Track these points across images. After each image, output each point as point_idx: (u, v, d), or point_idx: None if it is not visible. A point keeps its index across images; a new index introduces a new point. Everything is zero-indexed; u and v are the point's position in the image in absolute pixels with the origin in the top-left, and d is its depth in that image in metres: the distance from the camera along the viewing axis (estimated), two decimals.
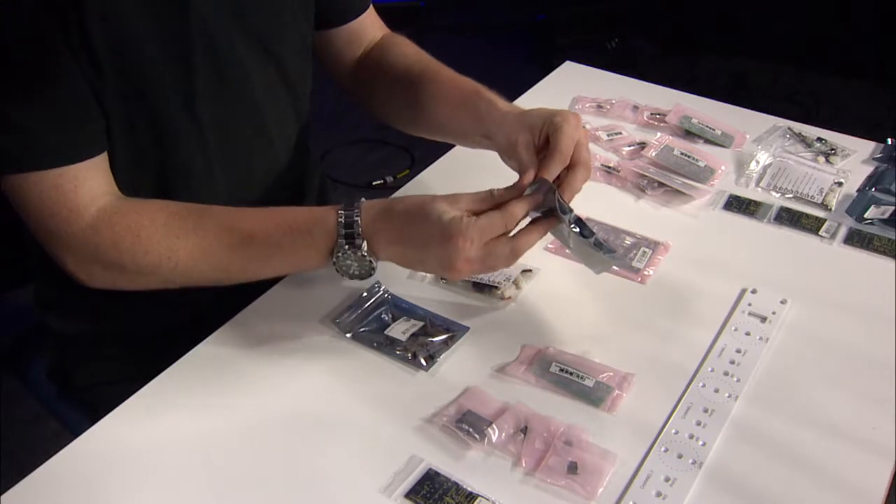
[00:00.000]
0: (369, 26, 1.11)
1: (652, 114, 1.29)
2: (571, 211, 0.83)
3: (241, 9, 0.90)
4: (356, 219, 0.82)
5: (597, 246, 0.83)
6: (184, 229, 0.84)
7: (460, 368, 0.86)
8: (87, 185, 0.83)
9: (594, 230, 0.86)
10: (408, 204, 0.83)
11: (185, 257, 0.84)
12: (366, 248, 0.82)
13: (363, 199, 0.84)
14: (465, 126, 0.98)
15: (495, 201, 0.82)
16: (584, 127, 0.90)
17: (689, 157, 1.18)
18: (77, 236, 0.83)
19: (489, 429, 0.78)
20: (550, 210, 0.83)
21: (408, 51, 1.08)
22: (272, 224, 0.85)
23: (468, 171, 1.16)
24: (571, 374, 0.84)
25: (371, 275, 0.85)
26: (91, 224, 0.83)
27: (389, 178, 2.71)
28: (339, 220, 0.82)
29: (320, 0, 1.02)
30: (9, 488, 0.74)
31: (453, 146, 1.21)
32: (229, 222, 0.85)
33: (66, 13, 0.77)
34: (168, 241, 0.83)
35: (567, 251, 0.93)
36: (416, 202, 0.82)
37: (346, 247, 0.82)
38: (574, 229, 0.82)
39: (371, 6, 1.11)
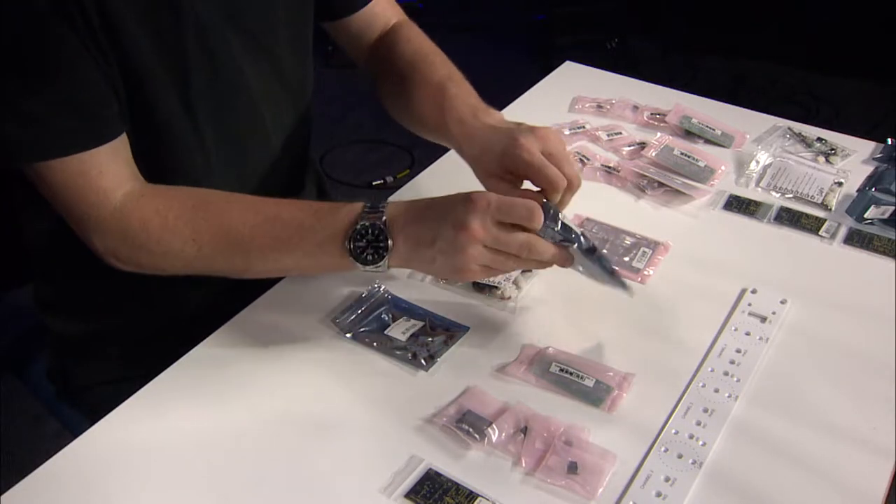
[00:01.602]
0: (380, 13, 1.11)
1: (652, 114, 1.29)
2: (577, 235, 0.82)
3: (234, 4, 0.90)
4: (381, 204, 0.83)
5: (598, 261, 0.84)
6: (211, 212, 0.85)
7: (460, 368, 0.86)
8: (112, 169, 0.84)
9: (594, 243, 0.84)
10: (434, 198, 0.83)
11: (209, 240, 0.84)
12: (387, 227, 0.80)
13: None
14: (429, 117, 0.98)
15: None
16: (557, 136, 0.89)
17: (689, 157, 1.18)
18: (106, 219, 0.84)
19: (489, 429, 0.78)
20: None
21: (412, 36, 1.08)
22: (298, 207, 0.86)
23: (468, 172, 1.16)
24: (571, 374, 0.84)
25: (382, 260, 0.81)
26: (119, 207, 0.84)
27: (389, 178, 2.71)
28: (366, 203, 0.83)
29: None
30: (9, 488, 0.74)
31: None
32: (254, 205, 0.86)
33: (70, 6, 0.77)
34: (195, 224, 0.84)
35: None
36: (446, 195, 0.83)
37: (367, 221, 0.81)
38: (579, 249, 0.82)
39: None
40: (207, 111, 0.91)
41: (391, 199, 1.12)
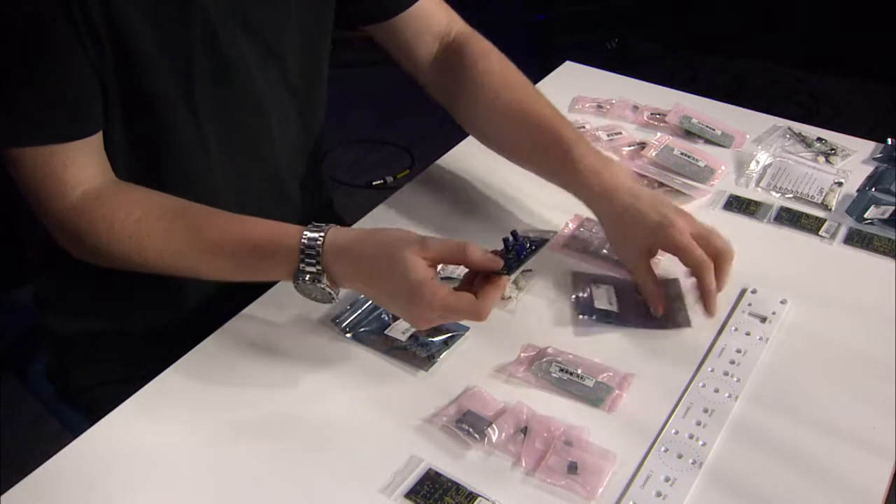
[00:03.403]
0: (433, 13, 1.06)
1: (652, 114, 1.29)
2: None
3: (245, 5, 0.89)
4: (318, 249, 0.81)
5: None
6: (154, 230, 0.84)
7: (460, 368, 0.86)
8: (77, 164, 0.84)
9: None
10: (375, 246, 0.80)
11: (154, 256, 0.85)
12: (326, 281, 0.81)
13: (331, 226, 0.82)
14: (549, 173, 0.99)
15: (466, 257, 0.79)
16: (695, 222, 0.90)
17: (689, 157, 1.18)
18: (61, 213, 0.84)
19: (489, 429, 0.78)
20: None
21: (512, 79, 1.04)
22: (239, 238, 0.84)
23: (468, 172, 1.16)
24: (571, 374, 0.84)
25: (332, 301, 0.84)
26: (74, 205, 0.84)
27: (389, 178, 2.71)
28: (302, 247, 0.81)
29: None
30: (9, 488, 0.74)
31: (453, 146, 1.21)
32: (199, 229, 0.85)
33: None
34: (138, 238, 0.84)
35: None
36: (383, 247, 0.80)
37: (307, 277, 0.81)
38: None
39: None
40: (211, 111, 0.91)
41: (391, 199, 1.13)
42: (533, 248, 0.82)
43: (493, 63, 1.05)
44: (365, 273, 0.81)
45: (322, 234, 0.81)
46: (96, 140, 0.86)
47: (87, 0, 0.77)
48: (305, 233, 0.81)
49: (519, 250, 0.82)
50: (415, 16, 1.04)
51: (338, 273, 0.81)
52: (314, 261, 0.81)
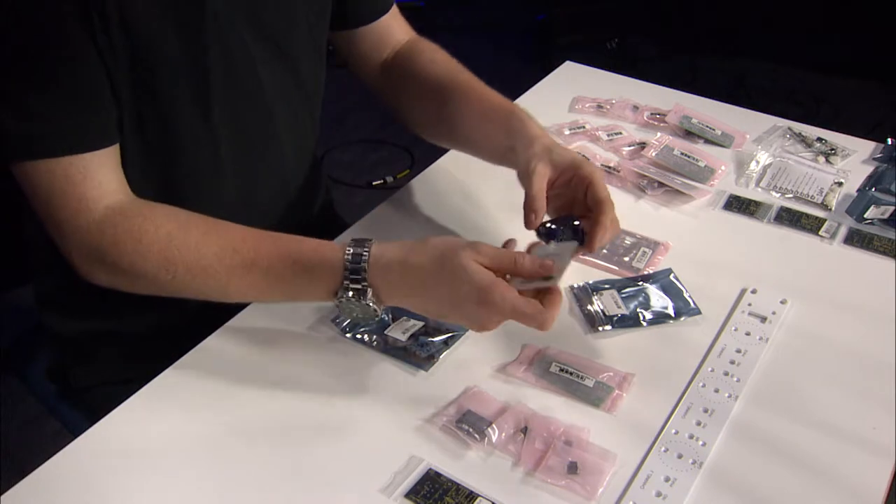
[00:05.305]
0: (395, 28, 1.10)
1: (652, 114, 1.29)
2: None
3: (255, 7, 0.90)
4: (363, 265, 0.78)
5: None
6: (186, 244, 0.82)
7: (460, 368, 0.86)
8: (97, 176, 0.82)
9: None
10: (428, 256, 0.78)
11: (184, 272, 0.82)
12: (371, 297, 0.79)
13: (373, 241, 0.80)
14: (492, 139, 0.96)
15: (517, 268, 0.78)
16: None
17: (689, 157, 1.18)
18: (82, 231, 0.82)
19: (489, 429, 0.78)
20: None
21: (437, 57, 1.07)
22: (276, 254, 0.82)
23: (468, 172, 1.16)
24: (571, 374, 0.84)
25: (375, 318, 0.81)
26: (97, 220, 0.82)
27: (389, 178, 2.71)
28: (346, 262, 0.79)
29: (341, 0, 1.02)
30: (9, 488, 0.74)
31: None
32: (233, 244, 0.83)
33: (90, 7, 0.77)
34: (168, 253, 0.82)
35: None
36: (437, 255, 0.78)
37: (350, 294, 0.79)
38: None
39: (395, 7, 1.10)
40: (223, 113, 0.91)
41: (391, 199, 1.13)
42: (568, 231, 0.83)
43: (437, 54, 1.08)
44: (419, 283, 0.78)
45: (366, 249, 0.79)
46: (114, 154, 0.84)
47: (105, 8, 0.78)
48: (349, 248, 0.79)
49: (552, 233, 0.85)
50: (378, 28, 1.08)
51: (385, 288, 0.79)
52: (359, 276, 0.78)
